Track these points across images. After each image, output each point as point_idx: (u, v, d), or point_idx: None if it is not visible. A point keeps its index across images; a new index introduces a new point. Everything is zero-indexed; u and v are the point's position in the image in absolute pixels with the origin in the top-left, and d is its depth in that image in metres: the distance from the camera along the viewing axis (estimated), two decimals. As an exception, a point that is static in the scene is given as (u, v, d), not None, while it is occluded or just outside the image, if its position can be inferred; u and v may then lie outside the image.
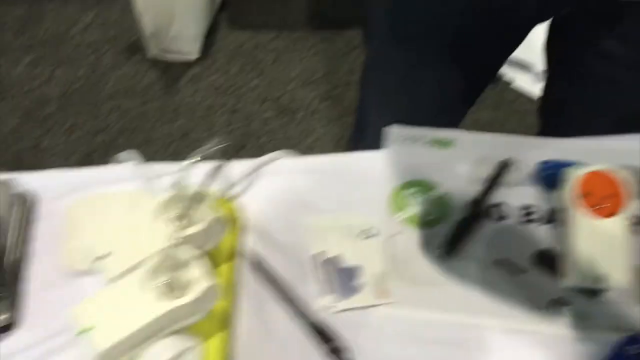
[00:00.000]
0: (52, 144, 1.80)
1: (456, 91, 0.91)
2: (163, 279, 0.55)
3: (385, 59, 0.91)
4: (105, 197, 0.69)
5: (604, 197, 0.63)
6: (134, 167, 0.74)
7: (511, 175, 0.72)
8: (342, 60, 2.00)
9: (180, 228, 0.58)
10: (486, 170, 0.72)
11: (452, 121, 0.96)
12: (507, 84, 1.84)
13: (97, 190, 0.72)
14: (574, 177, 0.63)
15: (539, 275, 0.65)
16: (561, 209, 0.66)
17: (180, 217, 0.58)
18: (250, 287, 0.65)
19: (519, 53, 0.86)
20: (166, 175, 0.73)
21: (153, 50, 1.95)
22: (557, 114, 0.94)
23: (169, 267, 0.54)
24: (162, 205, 0.59)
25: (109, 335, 0.52)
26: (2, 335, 0.62)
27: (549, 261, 0.66)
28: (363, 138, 1.06)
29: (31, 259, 0.67)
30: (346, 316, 0.64)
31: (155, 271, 0.55)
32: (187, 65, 1.97)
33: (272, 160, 0.75)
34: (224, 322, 0.59)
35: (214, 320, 0.59)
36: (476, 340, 0.62)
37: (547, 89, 0.96)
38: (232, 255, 0.63)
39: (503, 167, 0.72)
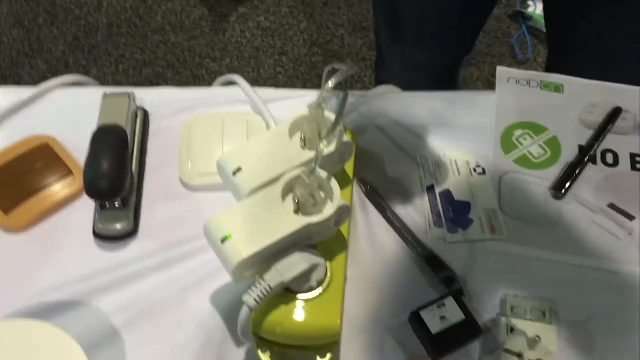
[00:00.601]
0: (100, 74, 1.79)
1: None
2: (299, 195, 0.55)
3: None
4: (220, 117, 0.70)
5: None
6: (241, 90, 0.74)
7: (621, 124, 0.72)
8: (392, 9, 1.97)
9: (315, 148, 0.58)
10: (596, 117, 0.72)
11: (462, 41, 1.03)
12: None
13: (206, 111, 0.72)
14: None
15: (648, 222, 0.66)
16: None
17: (315, 138, 0.58)
18: (363, 213, 0.66)
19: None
20: (275, 100, 0.74)
21: (202, -14, 1.93)
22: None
23: (305, 185, 0.55)
24: (296, 124, 0.59)
25: (247, 246, 0.53)
26: (124, 242, 0.63)
27: (660, 209, 0.66)
28: (382, 62, 1.13)
29: (147, 172, 0.68)
30: (456, 248, 0.65)
31: (292, 187, 0.56)
32: (236, 3, 1.94)
33: (381, 93, 0.75)
34: (344, 244, 0.60)
35: (337, 241, 0.59)
36: (582, 281, 0.63)
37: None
38: (349, 181, 0.64)
39: (613, 115, 0.72)
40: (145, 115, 0.70)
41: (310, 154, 0.57)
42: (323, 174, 0.56)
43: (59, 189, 0.65)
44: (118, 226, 0.62)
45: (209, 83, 1.86)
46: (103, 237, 0.62)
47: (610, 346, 0.59)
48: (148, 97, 0.73)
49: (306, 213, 0.56)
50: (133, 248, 0.63)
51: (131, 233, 0.63)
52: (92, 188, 0.58)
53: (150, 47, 1.86)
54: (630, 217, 0.66)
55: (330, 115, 0.59)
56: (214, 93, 0.76)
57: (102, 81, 1.78)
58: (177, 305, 0.60)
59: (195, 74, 1.82)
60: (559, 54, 0.94)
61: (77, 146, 0.69)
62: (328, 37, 1.90)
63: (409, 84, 1.09)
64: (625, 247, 0.64)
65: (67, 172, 0.65)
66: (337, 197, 0.55)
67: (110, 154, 0.59)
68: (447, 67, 1.15)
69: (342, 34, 1.91)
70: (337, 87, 0.57)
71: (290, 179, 0.56)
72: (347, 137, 0.60)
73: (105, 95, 0.66)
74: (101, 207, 0.62)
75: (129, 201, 0.63)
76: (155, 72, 1.82)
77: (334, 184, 0.56)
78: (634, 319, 0.60)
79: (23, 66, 1.80)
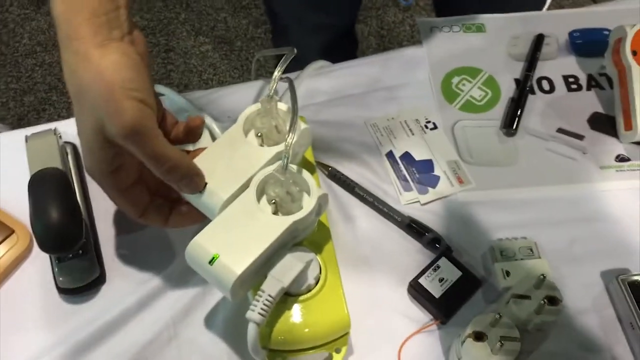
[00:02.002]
0: (-22, 113, 1.65)
1: None
2: (274, 195, 0.52)
3: None
4: (158, 132, 0.65)
5: (651, 52, 0.67)
6: (171, 99, 0.70)
7: (546, 49, 0.74)
8: (267, -18, 1.93)
9: (272, 143, 0.55)
10: (521, 48, 0.74)
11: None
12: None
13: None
14: (629, 37, 0.66)
15: (598, 138, 0.68)
16: (613, 70, 0.69)
17: (271, 132, 0.55)
18: (331, 196, 0.64)
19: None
20: (207, 103, 0.70)
21: (64, -3, 1.80)
22: None
23: (280, 183, 0.52)
24: (247, 122, 0.56)
25: (238, 261, 0.49)
26: (94, 289, 0.58)
27: (605, 123, 0.69)
28: (278, 32, 1.12)
29: (94, 209, 0.62)
30: (431, 208, 0.64)
31: (263, 189, 0.53)
32: (106, 8, 1.83)
33: (312, 70, 0.72)
34: (327, 232, 0.58)
35: (320, 232, 0.57)
36: (555, 208, 0.64)
37: None
38: (313, 168, 0.62)
39: (538, 43, 0.74)
40: (75, 149, 0.64)
41: (271, 151, 0.55)
42: (293, 167, 0.53)
43: (2, 252, 0.58)
44: (83, 275, 0.57)
45: (99, 97, 1.75)
46: (69, 291, 0.57)
47: (597, 262, 0.61)
48: (72, 129, 0.66)
49: (285, 212, 0.53)
50: (106, 293, 0.58)
51: (99, 278, 0.58)
52: (48, 242, 0.52)
53: (25, 72, 1.73)
54: (580, 137, 0.68)
55: (282, 106, 0.56)
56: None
57: (-18, 120, 1.64)
58: (172, 340, 0.56)
59: (82, 90, 1.70)
60: None
61: (6, 200, 0.62)
62: (211, 24, 1.84)
63: (310, 49, 1.07)
64: (583, 166, 0.67)
65: (7, 231, 0.59)
66: (314, 188, 0.53)
67: (57, 200, 0.53)
68: (344, 23, 1.13)
69: (224, 17, 1.85)
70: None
71: (260, 181, 0.53)
72: (303, 124, 0.57)
73: (28, 138, 0.60)
74: (59, 260, 0.57)
75: (87, 246, 0.58)
76: (38, 98, 1.69)
77: (306, 174, 0.54)
78: (612, 229, 0.63)
79: None
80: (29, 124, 1.64)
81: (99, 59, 0.44)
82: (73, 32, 0.45)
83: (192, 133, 0.55)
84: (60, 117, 1.67)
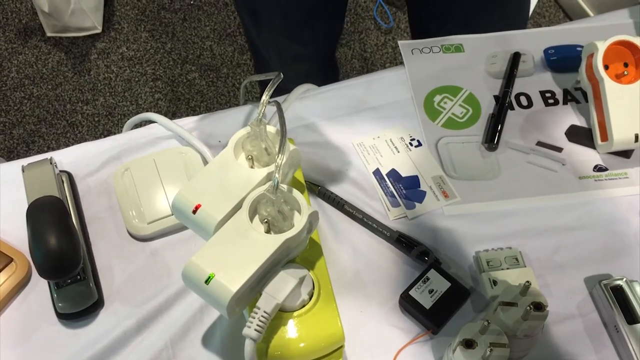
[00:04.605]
0: (-33, 147, 1.66)
1: None
2: (266, 214, 0.54)
3: None
4: (150, 158, 0.67)
5: (622, 66, 0.70)
6: (158, 127, 0.72)
7: (523, 67, 0.77)
8: (251, 9, 1.96)
9: (263, 164, 0.57)
10: (499, 66, 0.77)
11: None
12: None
13: (130, 157, 0.69)
14: (600, 52, 0.69)
15: (575, 150, 0.71)
16: (587, 84, 0.72)
17: (261, 154, 0.57)
18: (321, 214, 0.66)
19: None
20: (197, 128, 0.72)
21: (51, 30, 1.82)
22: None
23: (272, 203, 0.54)
24: (238, 146, 0.58)
25: (233, 280, 0.51)
26: (92, 314, 0.59)
27: (582, 135, 0.71)
28: (260, 63, 1.14)
29: (91, 235, 0.64)
30: (419, 222, 0.66)
31: (256, 209, 0.55)
32: (92, 39, 1.86)
33: (299, 93, 0.74)
34: (319, 248, 0.60)
35: (312, 248, 0.59)
36: (538, 218, 0.66)
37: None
38: (303, 187, 0.64)
39: (515, 60, 0.76)
40: (70, 177, 0.66)
41: (262, 172, 0.56)
42: (283, 187, 0.55)
43: (1, 280, 0.59)
44: (81, 300, 0.58)
45: (88, 128, 1.77)
46: (68, 316, 0.58)
47: (580, 269, 0.63)
48: (65, 159, 0.68)
49: (277, 230, 0.55)
50: (104, 317, 0.59)
51: (97, 303, 0.59)
52: (48, 269, 0.53)
53: (14, 106, 1.74)
54: (559, 149, 0.71)
55: (271, 129, 0.58)
56: (131, 137, 0.72)
57: (-29, 153, 1.65)
58: (171, 361, 0.57)
59: (70, 121, 1.72)
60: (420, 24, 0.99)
61: (3, 229, 0.63)
62: (197, 52, 1.86)
63: (292, 79, 1.09)
64: (563, 177, 0.69)
65: (6, 259, 0.60)
66: (304, 206, 0.55)
67: (55, 227, 0.55)
68: (324, 52, 1.15)
69: (209, 45, 1.88)
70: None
71: (252, 201, 0.55)
72: (292, 145, 0.59)
73: (24, 168, 0.61)
74: (57, 286, 0.58)
75: (85, 271, 0.59)
76: (27, 130, 1.70)
77: (297, 193, 0.56)
78: (593, 236, 0.65)
79: None
80: (19, 156, 1.65)
81: None
82: None
83: None
84: (49, 149, 1.68)
